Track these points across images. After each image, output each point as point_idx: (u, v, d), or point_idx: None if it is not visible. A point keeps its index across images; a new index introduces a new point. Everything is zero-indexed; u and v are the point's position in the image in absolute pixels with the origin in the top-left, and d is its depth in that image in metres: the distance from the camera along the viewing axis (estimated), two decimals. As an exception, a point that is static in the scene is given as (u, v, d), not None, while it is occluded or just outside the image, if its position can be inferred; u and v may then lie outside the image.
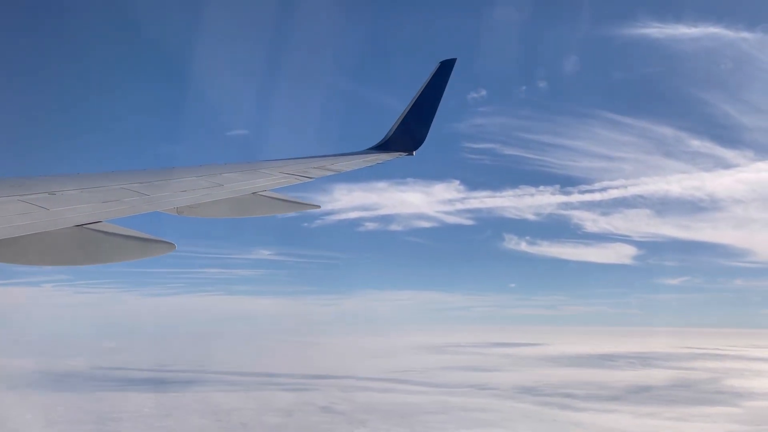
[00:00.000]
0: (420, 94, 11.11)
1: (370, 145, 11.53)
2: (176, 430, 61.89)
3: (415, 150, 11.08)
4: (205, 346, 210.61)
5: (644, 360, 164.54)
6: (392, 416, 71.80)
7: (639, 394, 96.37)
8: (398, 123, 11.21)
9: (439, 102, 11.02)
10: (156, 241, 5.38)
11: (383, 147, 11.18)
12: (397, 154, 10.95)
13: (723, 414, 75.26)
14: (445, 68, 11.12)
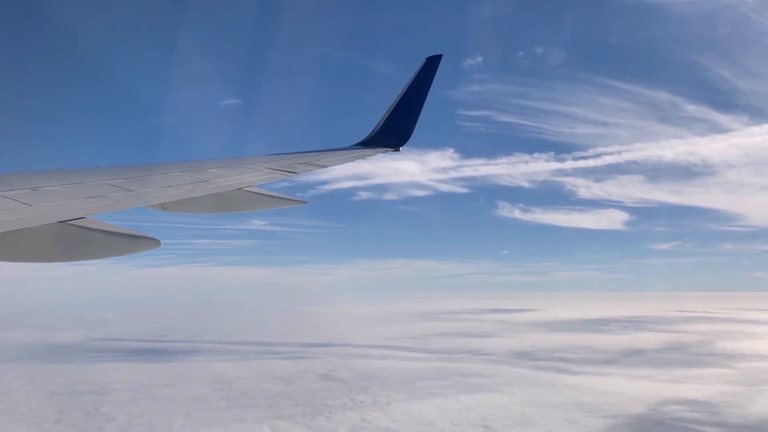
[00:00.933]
0: (406, 90, 11.06)
1: (357, 140, 11.47)
2: (178, 399, 62.20)
3: (401, 146, 11.08)
4: (200, 317, 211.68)
5: (637, 324, 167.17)
6: (391, 382, 72.54)
7: (633, 357, 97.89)
8: (384, 119, 11.20)
9: (425, 98, 11.02)
10: (140, 237, 5.32)
11: (370, 142, 11.21)
12: (383, 149, 10.96)
13: (716, 375, 76.60)
14: (431, 64, 11.07)
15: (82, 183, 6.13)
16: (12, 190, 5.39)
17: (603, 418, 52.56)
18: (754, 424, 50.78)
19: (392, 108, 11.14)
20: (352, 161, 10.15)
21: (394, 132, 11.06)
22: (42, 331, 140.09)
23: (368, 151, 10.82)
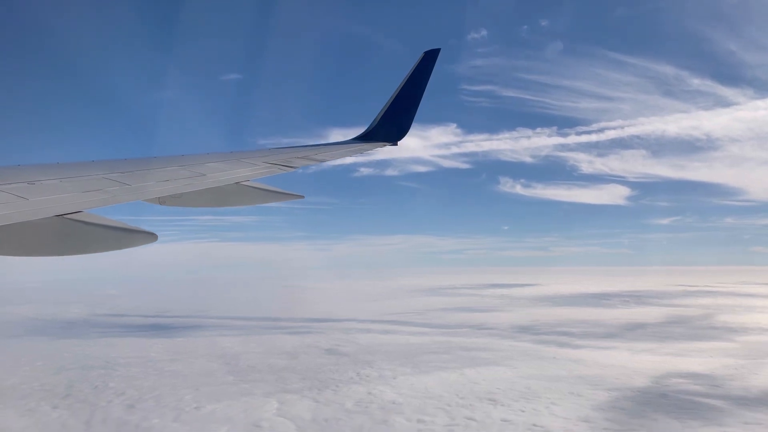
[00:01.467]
0: (404, 85, 11.12)
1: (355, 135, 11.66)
2: (185, 374, 62.80)
3: (399, 140, 11.24)
4: (203, 293, 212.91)
5: (638, 298, 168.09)
6: (396, 356, 73.12)
7: (634, 331, 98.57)
8: (382, 113, 11.31)
9: (422, 92, 11.12)
10: (137, 231, 5.37)
11: (368, 137, 11.36)
12: (381, 144, 11.12)
13: (718, 348, 77.17)
14: (428, 58, 11.13)
15: (79, 177, 6.15)
16: (8, 183, 5.37)
17: (607, 391, 53.06)
18: (757, 396, 51.28)
19: (389, 103, 11.22)
20: (350, 156, 10.27)
21: (391, 126, 11.20)
22: (47, 307, 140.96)
23: (366, 145, 10.99)
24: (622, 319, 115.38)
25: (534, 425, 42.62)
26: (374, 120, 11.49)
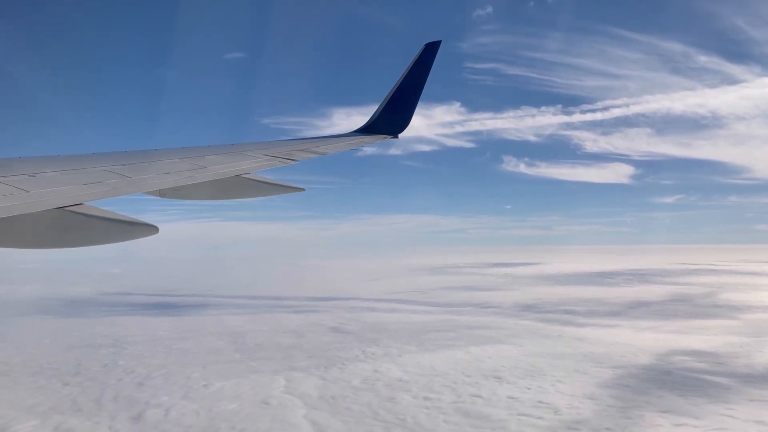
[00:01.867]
0: (404, 77, 11.13)
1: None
2: (193, 352, 63.39)
3: (400, 133, 11.28)
4: (208, 272, 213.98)
5: (641, 276, 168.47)
6: (401, 335, 73.60)
7: (638, 309, 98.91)
8: (383, 106, 11.34)
9: (423, 85, 11.12)
10: (138, 224, 5.40)
11: (368, 130, 11.39)
12: (381, 136, 11.17)
13: (722, 326, 77.47)
14: (429, 50, 11.13)
15: (80, 169, 6.17)
16: (9, 176, 5.38)
17: (612, 369, 53.42)
18: (761, 373, 51.59)
19: (390, 95, 11.23)
20: (350, 149, 10.30)
21: (392, 119, 11.23)
22: (51, 287, 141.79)
23: (367, 138, 11.00)
24: (625, 298, 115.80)
25: (540, 402, 43.01)
26: (375, 112, 11.51)
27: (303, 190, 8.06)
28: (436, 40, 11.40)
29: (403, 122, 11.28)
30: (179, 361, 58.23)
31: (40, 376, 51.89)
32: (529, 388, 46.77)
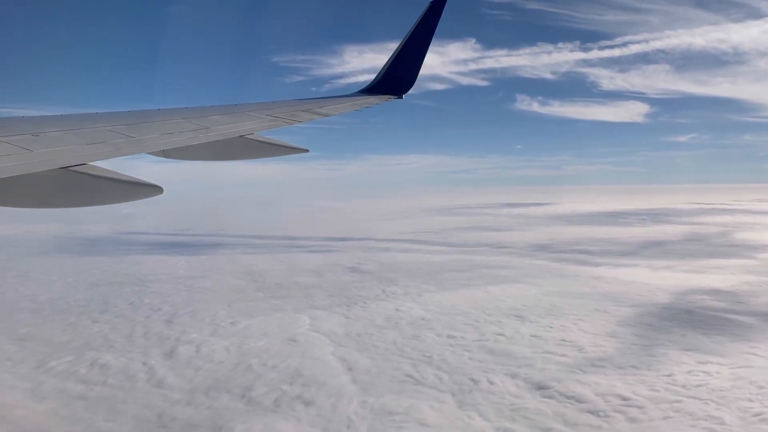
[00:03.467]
0: (409, 37, 10.95)
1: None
2: (215, 290, 64.31)
3: (404, 93, 11.33)
4: (218, 212, 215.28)
5: (654, 216, 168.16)
6: (418, 274, 74.23)
7: (652, 248, 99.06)
8: (387, 66, 11.30)
9: (428, 45, 10.98)
10: (142, 184, 5.41)
11: (372, 90, 11.41)
12: (386, 97, 11.18)
13: (739, 266, 77.52)
14: (435, 9, 10.85)
15: (83, 129, 6.20)
16: (13, 135, 5.40)
17: (631, 308, 53.80)
18: (782, 312, 51.82)
19: (394, 55, 11.16)
20: (354, 109, 10.31)
21: (396, 80, 11.24)
22: (66, 226, 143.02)
23: (371, 98, 11.01)
24: (639, 237, 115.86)
25: (563, 340, 43.52)
26: (379, 73, 11.47)
27: (307, 151, 8.10)
28: None
29: (408, 82, 11.26)
30: (203, 299, 59.14)
31: (69, 314, 52.91)
32: (552, 327, 47.30)
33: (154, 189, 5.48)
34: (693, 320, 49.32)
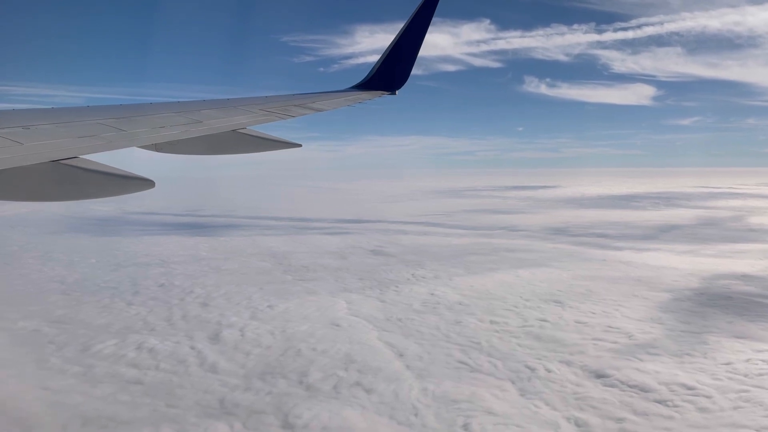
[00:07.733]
0: (403, 32, 10.88)
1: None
2: (243, 272, 63.62)
3: (397, 89, 11.30)
4: (223, 191, 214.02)
5: (666, 200, 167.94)
6: (443, 257, 73.76)
7: (670, 232, 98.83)
8: (381, 62, 11.26)
9: (422, 40, 10.91)
10: (134, 178, 5.39)
11: (366, 86, 11.41)
12: (379, 93, 11.20)
13: (761, 250, 77.02)
14: (428, 5, 10.80)
15: (75, 122, 6.19)
16: (3, 128, 5.38)
17: (667, 293, 53.47)
18: (819, 299, 51.52)
19: (388, 50, 11.09)
20: (347, 105, 10.28)
21: (390, 75, 11.21)
22: (73, 205, 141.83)
23: (364, 94, 11.00)
24: (654, 221, 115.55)
25: (609, 327, 43.10)
26: (372, 68, 11.47)
27: (300, 146, 8.07)
28: None
29: (402, 78, 11.20)
30: (233, 282, 58.50)
31: (102, 295, 52.21)
32: (594, 313, 46.87)
33: (145, 183, 5.43)
34: (734, 305, 48.98)
